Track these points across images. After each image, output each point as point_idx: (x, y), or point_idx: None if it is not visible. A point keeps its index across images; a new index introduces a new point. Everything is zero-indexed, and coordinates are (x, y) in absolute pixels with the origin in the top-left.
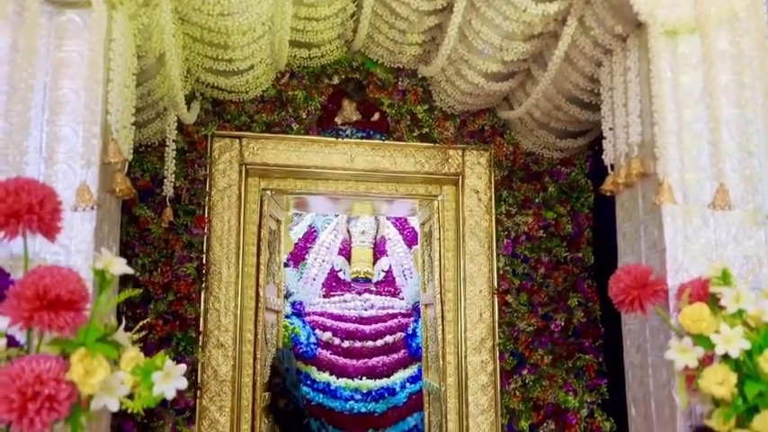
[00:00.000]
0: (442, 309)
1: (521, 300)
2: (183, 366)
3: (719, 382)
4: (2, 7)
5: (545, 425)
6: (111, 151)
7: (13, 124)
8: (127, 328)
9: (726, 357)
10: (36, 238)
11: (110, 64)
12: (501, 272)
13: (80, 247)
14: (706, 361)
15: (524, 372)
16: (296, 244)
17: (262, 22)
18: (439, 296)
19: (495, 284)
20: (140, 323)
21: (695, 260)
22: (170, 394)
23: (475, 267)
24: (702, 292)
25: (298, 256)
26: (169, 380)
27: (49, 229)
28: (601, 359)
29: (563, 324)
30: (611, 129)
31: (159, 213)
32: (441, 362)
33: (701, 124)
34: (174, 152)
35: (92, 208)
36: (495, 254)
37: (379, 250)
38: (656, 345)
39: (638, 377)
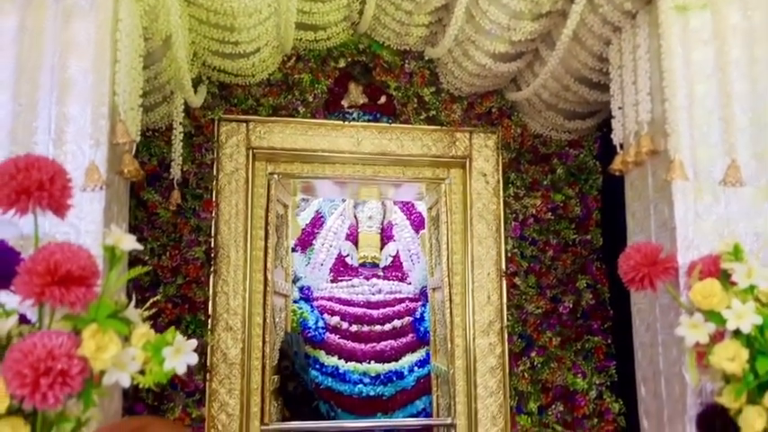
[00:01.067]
0: (449, 292)
1: (529, 282)
2: (194, 342)
3: (731, 357)
4: None
5: (553, 407)
6: (119, 132)
7: (22, 105)
8: (137, 306)
9: (737, 333)
10: (46, 218)
11: (117, 45)
12: (509, 254)
13: (89, 228)
14: (717, 337)
15: (533, 354)
16: (303, 229)
17: (268, 4)
18: (447, 279)
19: (504, 267)
20: (151, 300)
21: (706, 237)
22: (181, 369)
23: (483, 250)
24: (713, 268)
25: (305, 242)
26: (180, 355)
27: (60, 207)
28: (609, 341)
29: (571, 306)
30: (620, 108)
31: (167, 197)
32: (449, 345)
33: (713, 100)
34: (182, 136)
35: (101, 188)
36: (502, 236)
37: (386, 235)
38: (666, 323)
39: (647, 356)
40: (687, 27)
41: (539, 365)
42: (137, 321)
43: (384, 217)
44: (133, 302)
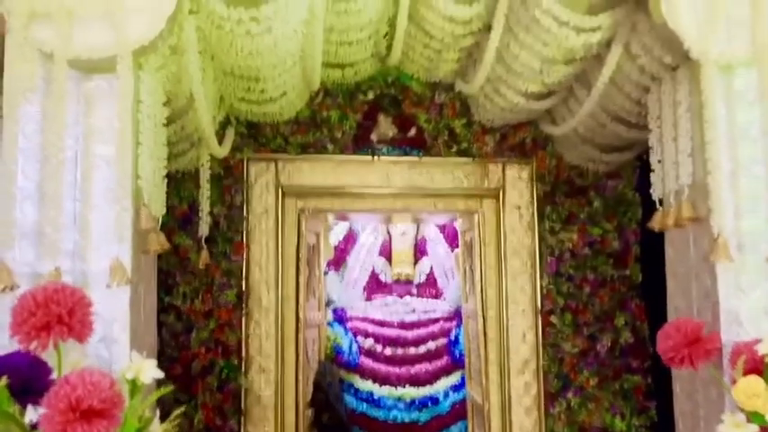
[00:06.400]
0: (484, 326)
1: (565, 320)
2: None
3: None
4: (30, 77)
5: None
6: (144, 219)
7: (47, 195)
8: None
9: None
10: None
11: (139, 127)
12: (545, 291)
13: (116, 316)
14: None
15: (569, 394)
16: (336, 246)
17: (291, 54)
18: (481, 312)
19: (539, 304)
20: (175, 413)
21: (751, 312)
22: None
23: (517, 286)
24: (759, 360)
25: (338, 259)
26: None
27: (80, 335)
28: (649, 380)
29: (609, 345)
30: (659, 161)
31: (198, 242)
32: (483, 380)
33: (759, 166)
34: (209, 190)
35: (126, 283)
36: (538, 273)
37: (419, 251)
38: (709, 398)
39: (688, 426)
40: (731, 87)
41: (576, 406)
42: None
43: (417, 232)
44: (157, 417)
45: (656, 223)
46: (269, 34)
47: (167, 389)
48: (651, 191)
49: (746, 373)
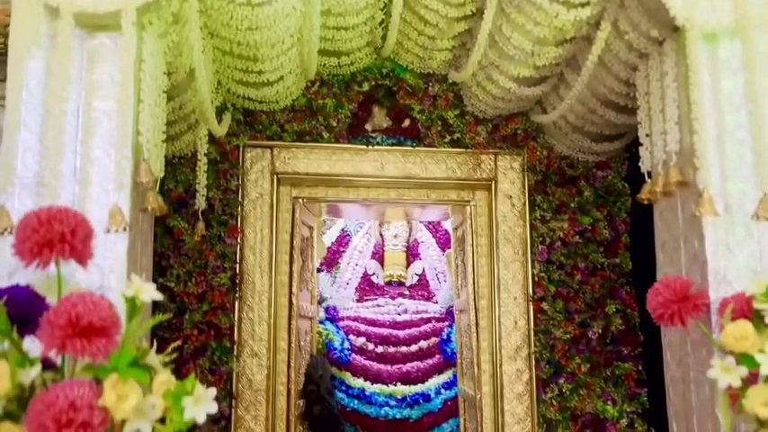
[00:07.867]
0: (476, 316)
1: (557, 307)
2: (213, 390)
3: (764, 402)
4: (35, 33)
5: None
6: (143, 172)
7: (48, 147)
8: (159, 350)
9: None
10: (71, 260)
11: (140, 85)
12: (536, 279)
13: (114, 267)
14: (750, 380)
15: (561, 381)
16: (329, 248)
17: (290, 35)
18: (473, 303)
19: (531, 292)
20: (172, 345)
21: (739, 272)
22: (200, 418)
23: (509, 274)
24: (746, 308)
25: (331, 261)
26: (199, 404)
27: (81, 256)
28: (640, 367)
29: (600, 332)
30: (647, 135)
31: (193, 225)
32: (475, 369)
33: (744, 131)
34: (206, 164)
35: (124, 229)
36: (529, 260)
37: (412, 253)
38: (699, 359)
39: (679, 392)
40: (716, 55)
41: (567, 392)
42: (158, 367)
43: (410, 235)
44: (154, 348)
45: (645, 193)
46: (269, 6)
47: (165, 316)
48: (640, 164)
49: (734, 319)
